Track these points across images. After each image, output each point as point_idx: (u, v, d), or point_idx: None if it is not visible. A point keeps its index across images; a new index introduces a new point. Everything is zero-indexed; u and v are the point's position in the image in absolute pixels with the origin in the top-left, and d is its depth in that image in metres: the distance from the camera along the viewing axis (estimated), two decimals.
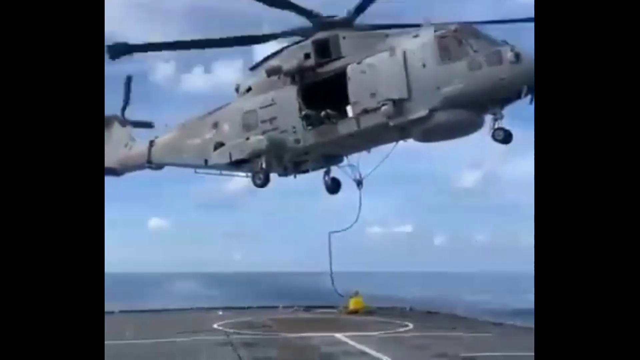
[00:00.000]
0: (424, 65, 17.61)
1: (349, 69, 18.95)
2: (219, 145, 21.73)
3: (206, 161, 22.11)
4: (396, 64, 18.04)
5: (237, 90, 22.59)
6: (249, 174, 21.90)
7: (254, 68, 22.05)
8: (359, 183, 22.23)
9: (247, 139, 20.77)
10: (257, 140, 20.49)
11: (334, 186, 23.39)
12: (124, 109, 26.97)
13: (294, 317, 24.37)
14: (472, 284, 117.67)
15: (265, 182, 20.65)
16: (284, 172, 22.83)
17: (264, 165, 20.41)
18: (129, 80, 26.33)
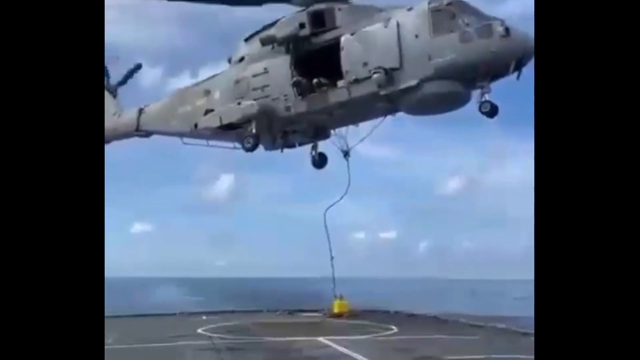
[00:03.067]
0: (416, 36, 17.93)
1: (342, 40, 19.23)
2: (209, 111, 21.97)
3: (196, 125, 22.28)
4: (390, 35, 18.33)
5: (229, 61, 22.84)
6: (236, 144, 22.14)
7: (248, 39, 22.22)
8: (346, 153, 22.69)
9: (239, 103, 21.00)
10: (249, 105, 20.72)
11: (320, 161, 23.72)
12: (107, 82, 27.07)
13: (278, 321, 24.32)
14: (456, 290, 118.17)
15: (254, 146, 20.92)
16: (272, 145, 22.99)
17: (254, 130, 20.65)
18: (137, 67, 26.96)
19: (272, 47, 20.75)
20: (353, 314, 24.88)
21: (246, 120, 20.71)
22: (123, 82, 27.24)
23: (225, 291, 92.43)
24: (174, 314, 27.52)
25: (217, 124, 21.43)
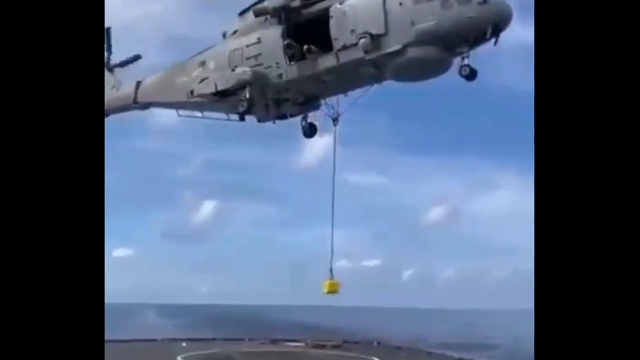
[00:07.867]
0: (400, 4, 19.22)
1: (332, 9, 20.37)
2: (204, 80, 22.93)
3: (192, 92, 23.28)
4: (376, 3, 19.59)
5: (224, 36, 23.68)
6: (230, 116, 23.12)
7: (242, 13, 23.28)
8: (335, 120, 23.79)
9: (233, 70, 22.05)
10: (242, 72, 21.81)
11: (310, 130, 24.80)
12: (108, 58, 27.60)
13: (260, 350, 24.05)
14: (440, 320, 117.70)
15: (247, 111, 21.93)
16: (265, 116, 23.93)
17: (247, 95, 21.63)
18: (107, 31, 27.06)
19: (265, 19, 21.81)
20: (335, 345, 24.75)
21: (240, 87, 21.73)
22: (121, 65, 27.86)
23: (208, 317, 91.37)
24: (155, 340, 27.13)
25: (212, 89, 22.47)
